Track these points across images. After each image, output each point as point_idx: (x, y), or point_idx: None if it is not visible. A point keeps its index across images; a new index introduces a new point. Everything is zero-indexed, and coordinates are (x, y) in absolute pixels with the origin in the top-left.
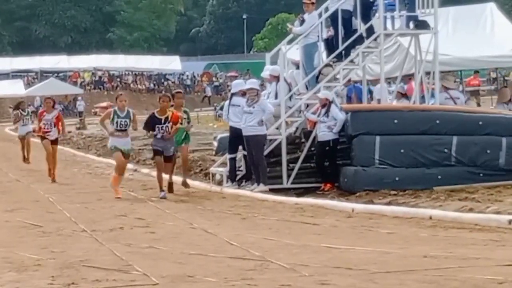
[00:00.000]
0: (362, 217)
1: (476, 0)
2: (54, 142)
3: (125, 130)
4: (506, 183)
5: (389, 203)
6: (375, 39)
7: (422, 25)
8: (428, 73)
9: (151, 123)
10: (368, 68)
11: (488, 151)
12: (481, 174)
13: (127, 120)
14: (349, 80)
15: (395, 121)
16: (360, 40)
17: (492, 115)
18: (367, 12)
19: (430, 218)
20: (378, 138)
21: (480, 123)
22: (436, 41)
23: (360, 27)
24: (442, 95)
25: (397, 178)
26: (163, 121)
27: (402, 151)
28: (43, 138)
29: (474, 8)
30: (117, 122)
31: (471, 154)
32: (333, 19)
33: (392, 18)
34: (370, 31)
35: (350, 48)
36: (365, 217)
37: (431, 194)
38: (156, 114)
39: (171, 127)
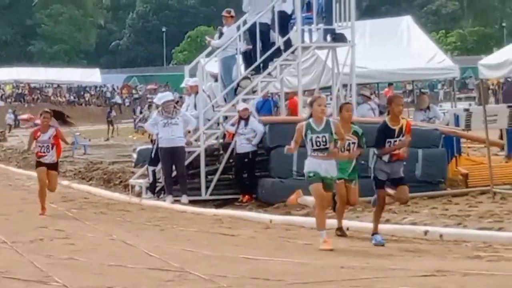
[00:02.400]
0: (280, 228)
1: (392, 13)
2: (52, 167)
3: (327, 148)
4: (422, 194)
5: (306, 215)
6: (293, 52)
7: (339, 38)
8: (345, 86)
9: (384, 138)
10: (286, 81)
11: (405, 163)
12: None
13: (327, 136)
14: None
15: None
16: (278, 53)
17: None
18: (285, 25)
19: (347, 229)
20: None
21: None
22: (353, 54)
23: (278, 40)
24: (364, 107)
25: None
26: (396, 133)
27: None
28: (38, 164)
29: (390, 21)
30: (311, 140)
31: None
32: (251, 32)
33: (310, 31)
34: (288, 44)
35: (268, 60)
36: (282, 228)
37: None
38: (389, 124)
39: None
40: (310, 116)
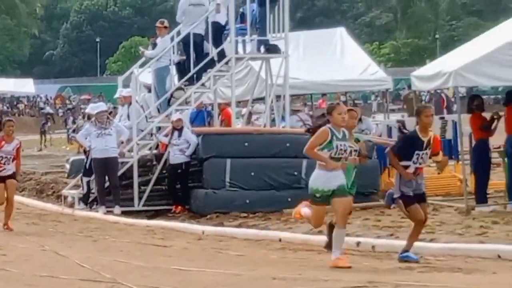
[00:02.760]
0: (212, 239)
1: (326, 25)
2: (10, 176)
3: (342, 158)
4: (355, 205)
5: (239, 226)
6: (227, 63)
7: (273, 49)
8: (278, 97)
9: (411, 149)
10: (219, 92)
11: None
12: None
13: (347, 145)
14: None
15: (246, 144)
16: (211, 63)
17: None
18: (219, 36)
19: (280, 240)
20: (228, 161)
21: None
22: (286, 65)
23: (211, 51)
24: (293, 118)
25: (247, 201)
26: (425, 145)
27: (252, 174)
28: None
29: (324, 33)
30: (336, 147)
31: None
32: (185, 43)
33: (244, 42)
34: (222, 54)
35: (202, 71)
36: (215, 239)
37: (281, 217)
38: (419, 133)
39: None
40: (328, 122)
